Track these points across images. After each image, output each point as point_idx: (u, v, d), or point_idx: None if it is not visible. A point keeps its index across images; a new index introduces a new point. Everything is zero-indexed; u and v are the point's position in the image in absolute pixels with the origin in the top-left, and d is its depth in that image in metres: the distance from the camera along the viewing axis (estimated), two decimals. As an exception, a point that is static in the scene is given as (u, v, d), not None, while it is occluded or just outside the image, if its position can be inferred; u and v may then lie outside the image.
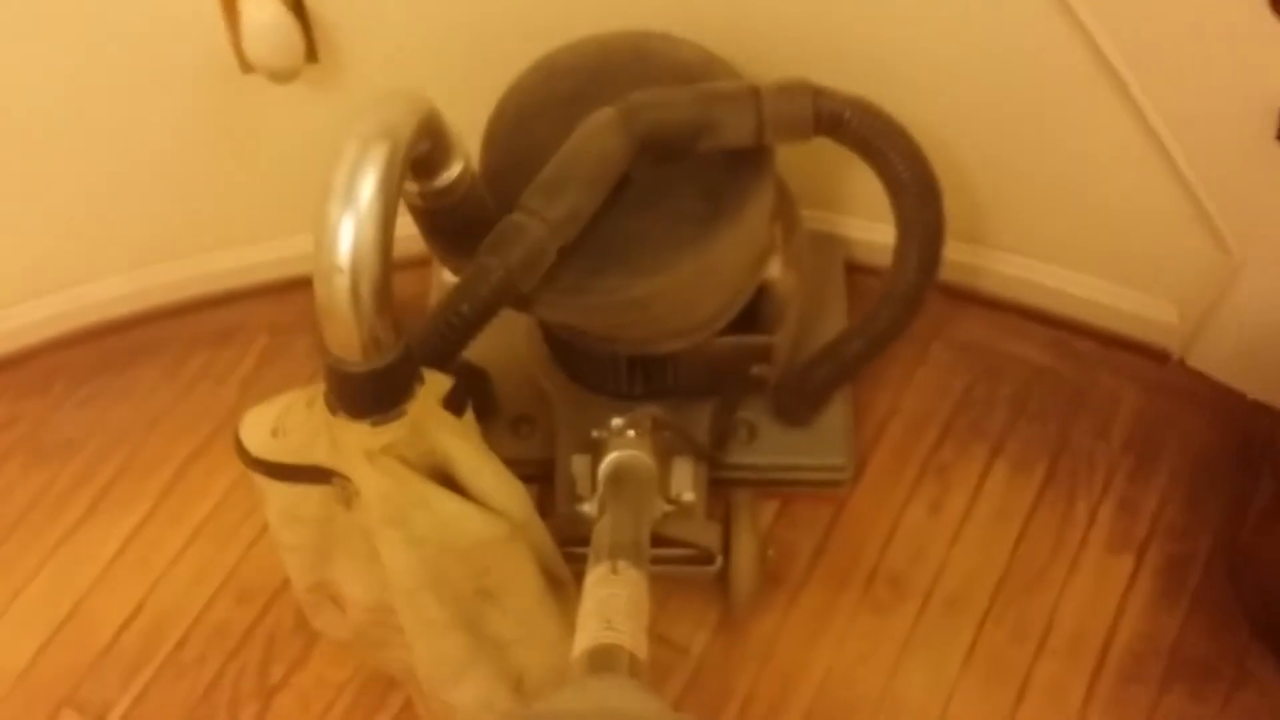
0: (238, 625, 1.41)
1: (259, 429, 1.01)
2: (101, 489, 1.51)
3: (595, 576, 0.72)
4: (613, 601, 0.69)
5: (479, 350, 1.24)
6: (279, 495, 1.04)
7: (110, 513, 1.49)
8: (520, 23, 1.27)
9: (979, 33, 1.26)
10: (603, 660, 0.62)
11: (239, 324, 1.62)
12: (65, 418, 1.57)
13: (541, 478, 1.35)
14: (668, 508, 1.08)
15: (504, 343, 1.40)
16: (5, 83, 1.30)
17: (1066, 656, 1.34)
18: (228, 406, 1.56)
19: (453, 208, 1.02)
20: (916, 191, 1.12)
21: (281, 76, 1.32)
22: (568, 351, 1.35)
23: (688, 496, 1.09)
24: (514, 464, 1.31)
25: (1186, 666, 1.33)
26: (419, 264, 1.47)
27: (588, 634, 0.64)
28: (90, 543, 1.47)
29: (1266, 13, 1.09)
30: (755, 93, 1.07)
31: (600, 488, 1.03)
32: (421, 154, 0.93)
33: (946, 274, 1.50)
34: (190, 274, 1.59)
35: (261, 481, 1.04)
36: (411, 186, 0.99)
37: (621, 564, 0.74)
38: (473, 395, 1.36)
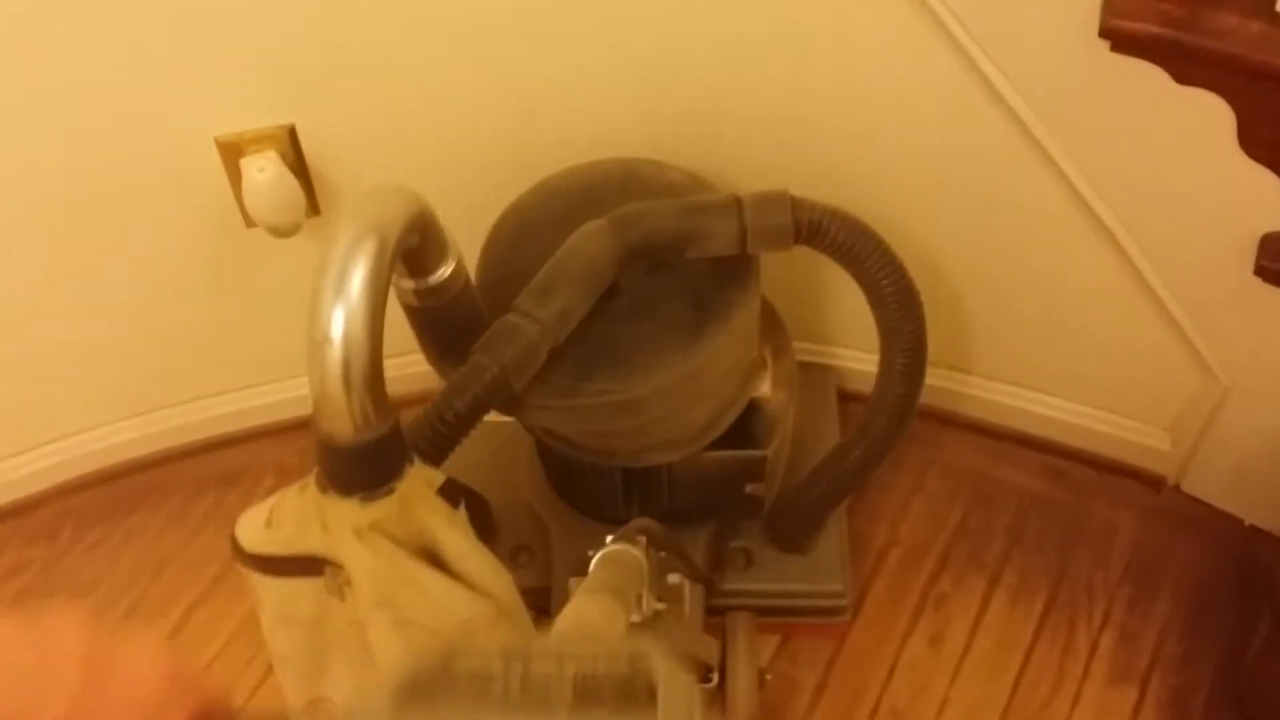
0: (239, 767, 1.39)
1: (254, 525, 1.02)
2: (106, 633, 1.51)
3: (571, 602, 0.72)
4: (588, 614, 0.69)
5: (479, 479, 1.26)
6: (272, 593, 1.04)
7: (112, 657, 1.49)
8: (515, 160, 1.33)
9: (958, 169, 1.32)
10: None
11: (245, 465, 1.65)
12: (74, 562, 1.58)
13: (541, 608, 1.36)
14: (659, 605, 1.08)
15: (503, 474, 1.43)
16: (16, 237, 1.36)
17: (1074, 791, 1.31)
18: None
19: (445, 307, 1.06)
20: (897, 300, 1.15)
21: (283, 231, 1.38)
22: (564, 476, 1.37)
23: (674, 579, 1.10)
24: (513, 592, 1.32)
25: (1196, 798, 1.30)
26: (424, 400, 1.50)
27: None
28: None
29: (1237, 150, 1.14)
30: (738, 202, 1.12)
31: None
32: (413, 248, 0.97)
33: (939, 401, 1.53)
34: (197, 418, 1.63)
35: (255, 581, 1.04)
36: (406, 283, 1.03)
37: (600, 594, 0.74)
38: (473, 521, 1.38)
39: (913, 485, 1.56)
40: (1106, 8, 1.10)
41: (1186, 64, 1.11)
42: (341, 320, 0.88)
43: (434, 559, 0.96)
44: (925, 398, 1.27)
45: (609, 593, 0.74)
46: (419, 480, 0.95)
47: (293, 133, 1.36)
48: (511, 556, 1.41)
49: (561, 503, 1.39)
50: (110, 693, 0.38)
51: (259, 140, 1.35)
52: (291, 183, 1.36)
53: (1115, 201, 1.26)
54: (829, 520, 1.39)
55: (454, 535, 0.96)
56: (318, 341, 0.88)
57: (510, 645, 0.43)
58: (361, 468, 0.91)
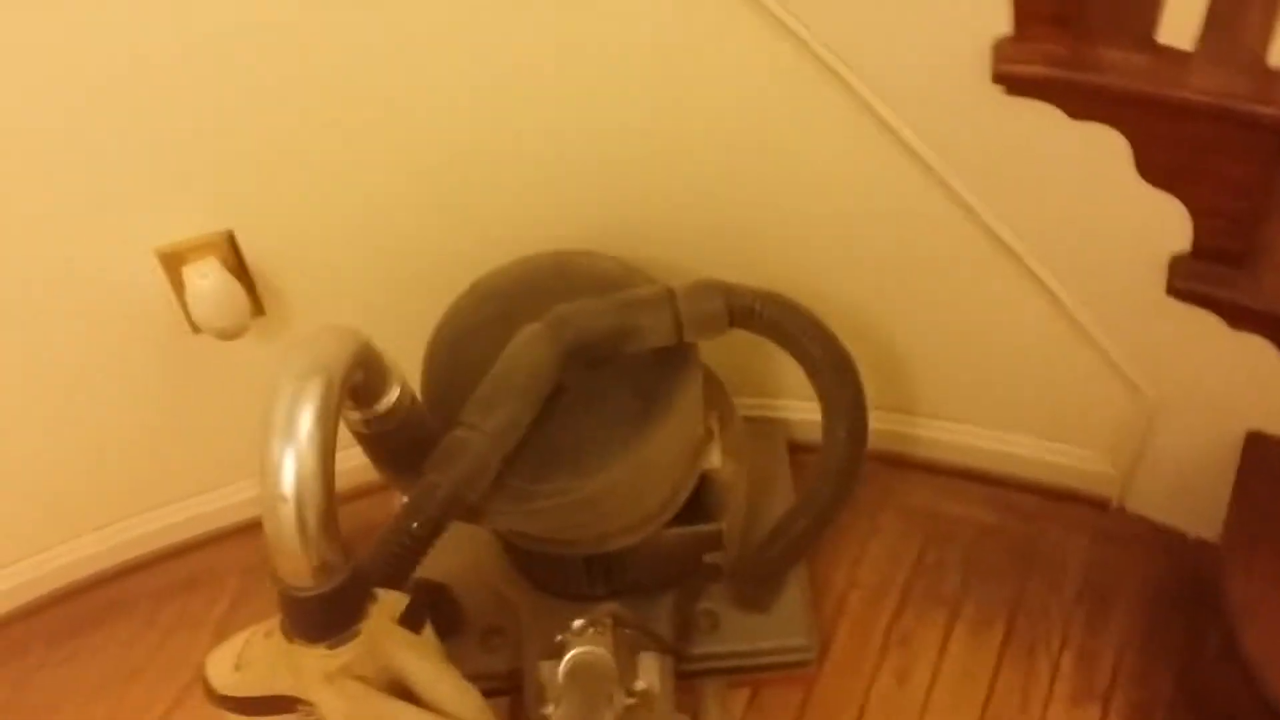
0: None
1: (222, 666, 1.03)
2: (83, 748, 1.51)
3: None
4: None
5: (442, 566, 1.27)
6: (249, 729, 1.05)
7: (94, 769, 1.49)
8: (452, 252, 1.35)
9: (882, 227, 1.36)
10: None
11: (209, 570, 1.65)
12: (45, 680, 1.58)
13: (515, 689, 1.38)
14: (629, 700, 1.11)
15: (467, 557, 1.44)
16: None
17: (1047, 815, 1.35)
18: (204, 651, 1.56)
19: (395, 431, 1.07)
20: (832, 369, 1.18)
21: (229, 334, 1.39)
22: (528, 559, 1.39)
23: (642, 685, 1.12)
24: (486, 678, 1.34)
25: (1164, 811, 1.34)
26: (379, 489, 1.51)
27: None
28: (76, 803, 1.47)
29: (1136, 177, 1.18)
30: (671, 295, 1.15)
31: (559, 687, 1.05)
32: (358, 383, 0.98)
33: (887, 444, 1.57)
34: (155, 527, 1.63)
35: (231, 718, 1.06)
36: (354, 415, 1.04)
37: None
38: (439, 612, 1.39)
39: (868, 528, 1.59)
40: (996, 54, 1.15)
41: (1077, 100, 1.16)
42: (293, 470, 0.89)
43: (404, 690, 0.98)
44: (873, 442, 1.30)
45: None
46: (383, 616, 0.97)
47: (231, 238, 1.37)
48: (483, 640, 1.42)
49: (528, 584, 1.41)
50: None
51: (199, 248, 1.36)
52: (234, 287, 1.38)
53: (1029, 237, 1.30)
54: (788, 576, 1.42)
55: (422, 665, 0.98)
56: (270, 498, 0.90)
57: None
58: (325, 617, 0.92)
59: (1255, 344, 1.26)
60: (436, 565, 1.16)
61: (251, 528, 1.64)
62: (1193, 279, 1.23)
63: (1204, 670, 1.39)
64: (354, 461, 1.13)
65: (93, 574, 1.64)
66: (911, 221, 1.33)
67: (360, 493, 1.45)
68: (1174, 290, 1.25)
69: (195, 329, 1.40)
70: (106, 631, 1.61)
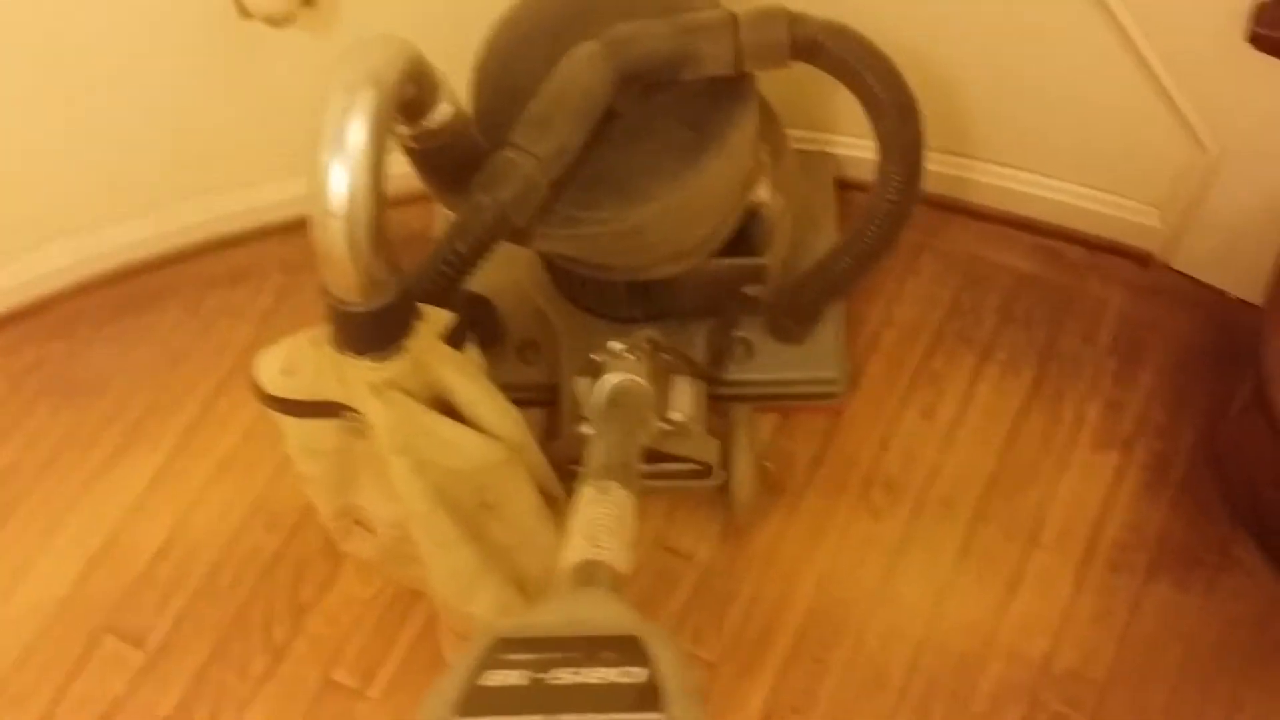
0: (267, 550, 1.48)
1: (271, 368, 1.06)
2: (130, 426, 1.57)
3: (584, 498, 0.76)
4: (599, 520, 0.74)
5: (484, 280, 1.28)
6: (296, 430, 1.09)
7: (139, 448, 1.56)
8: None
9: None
10: (584, 575, 0.67)
11: (252, 264, 1.67)
12: (90, 359, 1.63)
13: (547, 401, 1.41)
14: (665, 428, 1.13)
15: (508, 272, 1.45)
16: (16, 36, 1.34)
17: (1056, 550, 1.40)
18: (247, 341, 1.62)
19: (444, 147, 1.06)
20: (895, 111, 1.15)
21: (278, 21, 1.35)
22: (569, 278, 1.40)
23: (677, 416, 1.15)
24: (521, 389, 1.38)
25: (1171, 555, 1.38)
26: (423, 199, 1.51)
27: (572, 551, 0.69)
28: (122, 477, 1.54)
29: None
30: (733, 21, 1.10)
31: (597, 412, 1.08)
32: (408, 97, 0.97)
33: (933, 186, 1.54)
34: (202, 217, 1.64)
35: (278, 417, 1.09)
36: (403, 129, 1.03)
37: (610, 485, 0.79)
38: (479, 324, 1.42)
39: (907, 269, 1.58)
40: None
41: None
42: (344, 186, 0.89)
43: (447, 406, 1.01)
44: (920, 183, 1.28)
45: (617, 480, 0.79)
46: (429, 334, 0.98)
47: (280, -83, 1.32)
48: (519, 353, 1.45)
49: (567, 302, 1.43)
50: None
51: (249, -69, 1.32)
52: (284, -30, 1.34)
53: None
54: (825, 311, 1.43)
55: (465, 383, 1.00)
56: (321, 214, 0.90)
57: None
58: (373, 332, 0.94)
59: (1329, 105, 1.22)
60: (478, 278, 1.16)
61: (297, 226, 1.64)
62: (1276, 26, 1.17)
63: (1228, 425, 1.41)
64: (399, 168, 1.12)
65: (138, 259, 1.66)
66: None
67: (403, 200, 1.44)
68: (1254, 38, 1.19)
69: (244, 14, 1.37)
70: (151, 316, 1.65)
